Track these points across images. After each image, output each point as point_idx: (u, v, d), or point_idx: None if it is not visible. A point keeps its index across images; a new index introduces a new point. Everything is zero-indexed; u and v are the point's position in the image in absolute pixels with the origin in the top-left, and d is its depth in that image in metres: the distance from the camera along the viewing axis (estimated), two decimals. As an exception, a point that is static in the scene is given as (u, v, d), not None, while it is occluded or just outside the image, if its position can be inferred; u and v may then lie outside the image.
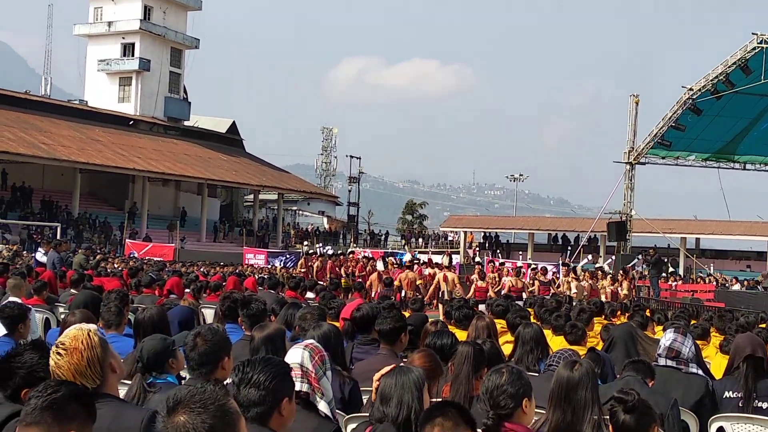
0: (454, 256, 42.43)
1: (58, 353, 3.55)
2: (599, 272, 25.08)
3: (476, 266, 27.31)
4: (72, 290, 11.81)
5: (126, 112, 62.00)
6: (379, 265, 25.56)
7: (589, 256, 40.30)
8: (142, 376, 4.80)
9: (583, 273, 24.52)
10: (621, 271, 24.33)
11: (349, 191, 74.38)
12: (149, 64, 63.33)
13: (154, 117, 63.44)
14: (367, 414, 4.51)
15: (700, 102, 34.06)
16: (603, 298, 21.19)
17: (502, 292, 21.59)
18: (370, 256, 31.92)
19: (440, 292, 23.66)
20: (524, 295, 20.69)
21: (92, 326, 3.74)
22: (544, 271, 24.40)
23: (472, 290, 23.22)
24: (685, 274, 41.57)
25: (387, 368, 4.06)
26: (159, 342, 5.05)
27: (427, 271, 26.82)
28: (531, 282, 23.76)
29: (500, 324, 8.60)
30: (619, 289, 22.74)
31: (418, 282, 23.51)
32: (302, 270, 27.94)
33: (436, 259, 35.16)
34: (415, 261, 30.26)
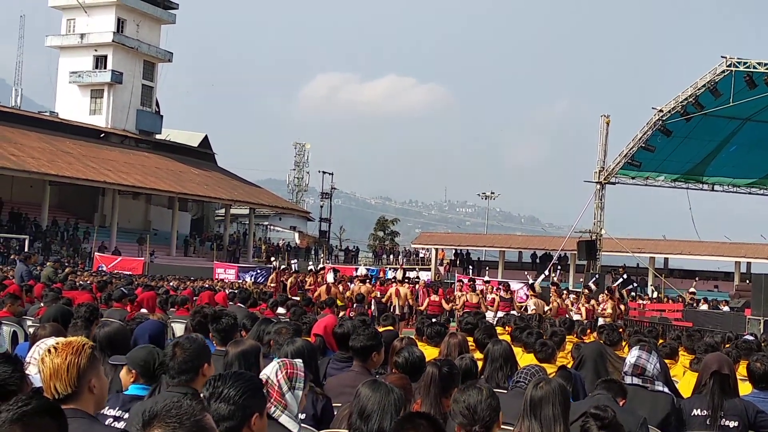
0: (423, 273, 42.30)
1: (48, 350, 3.60)
2: (586, 290, 25.20)
3: (455, 283, 27.42)
4: (41, 303, 11.68)
5: (97, 124, 61.56)
6: (329, 278, 25.71)
7: (546, 272, 39.91)
8: None
9: (542, 289, 24.88)
10: (606, 291, 24.34)
11: (321, 207, 74.12)
12: (121, 76, 63.00)
13: (125, 130, 63.08)
14: (337, 430, 4.52)
15: (670, 123, 34.44)
16: (578, 317, 21.28)
17: (455, 308, 22.20)
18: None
19: (392, 307, 23.97)
20: (488, 311, 21.07)
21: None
22: (507, 287, 24.56)
23: (425, 304, 23.64)
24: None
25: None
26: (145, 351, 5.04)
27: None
28: (492, 298, 23.89)
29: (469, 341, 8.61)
30: (600, 308, 22.76)
31: (371, 296, 23.81)
32: (272, 285, 27.89)
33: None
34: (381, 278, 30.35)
